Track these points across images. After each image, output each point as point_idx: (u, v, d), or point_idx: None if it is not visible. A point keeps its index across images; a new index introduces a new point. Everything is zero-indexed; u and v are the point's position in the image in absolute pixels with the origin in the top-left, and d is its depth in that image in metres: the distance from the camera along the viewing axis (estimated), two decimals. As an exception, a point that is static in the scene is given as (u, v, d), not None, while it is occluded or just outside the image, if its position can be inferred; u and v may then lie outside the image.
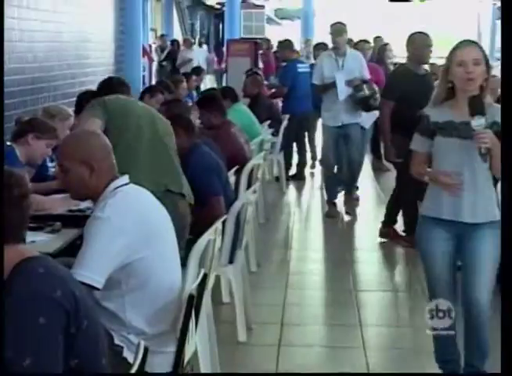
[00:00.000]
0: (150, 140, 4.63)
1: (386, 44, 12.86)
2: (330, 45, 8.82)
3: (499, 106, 3.89)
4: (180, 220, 4.33)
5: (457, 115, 3.76)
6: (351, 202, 8.66)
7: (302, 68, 10.57)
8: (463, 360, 3.98)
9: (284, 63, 11.28)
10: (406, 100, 6.48)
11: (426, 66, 7.51)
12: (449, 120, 3.78)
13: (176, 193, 4.58)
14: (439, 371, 4.07)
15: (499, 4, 33.34)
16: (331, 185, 8.58)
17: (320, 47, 11.78)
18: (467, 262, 3.87)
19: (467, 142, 3.70)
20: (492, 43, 35.93)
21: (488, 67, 3.77)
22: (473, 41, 3.97)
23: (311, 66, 11.02)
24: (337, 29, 8.22)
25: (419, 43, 6.88)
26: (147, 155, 4.59)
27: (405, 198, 6.89)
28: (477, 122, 3.60)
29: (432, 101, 3.97)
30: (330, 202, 8.48)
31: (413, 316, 5.50)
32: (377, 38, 15.02)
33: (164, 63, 20.30)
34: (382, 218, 7.47)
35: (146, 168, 4.52)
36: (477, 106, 3.64)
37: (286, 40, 11.94)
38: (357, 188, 9.05)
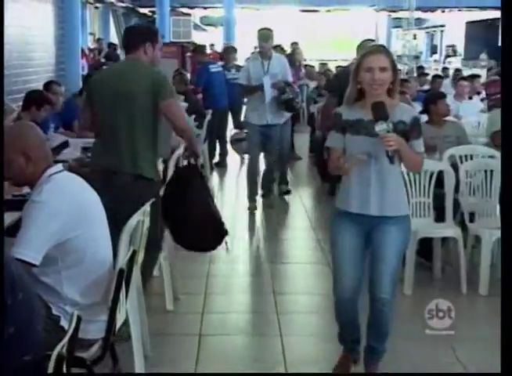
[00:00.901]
0: (113, 116, 4.41)
1: (297, 48, 13.00)
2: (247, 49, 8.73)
3: (407, 106, 3.69)
4: (117, 193, 4.24)
5: (367, 114, 3.50)
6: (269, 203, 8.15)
7: (214, 68, 10.52)
8: (365, 340, 3.78)
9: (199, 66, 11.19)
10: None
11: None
12: (359, 118, 3.54)
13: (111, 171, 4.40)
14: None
15: (393, 15, 33.89)
16: (252, 184, 8.08)
17: (229, 50, 11.82)
18: (374, 253, 3.63)
19: (376, 139, 3.45)
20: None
21: (396, 71, 3.52)
22: (381, 46, 3.69)
23: (224, 66, 11.04)
24: (264, 34, 7.90)
25: (363, 49, 6.90)
26: (106, 133, 4.47)
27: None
28: (380, 127, 3.39)
29: (345, 101, 3.67)
30: (251, 199, 8.01)
31: (320, 284, 5.53)
32: (293, 44, 15.20)
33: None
34: (294, 200, 7.54)
35: (101, 147, 4.51)
36: (379, 112, 3.42)
37: (199, 45, 11.97)
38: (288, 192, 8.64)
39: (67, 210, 3.00)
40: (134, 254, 3.28)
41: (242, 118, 9.13)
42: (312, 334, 4.54)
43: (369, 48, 3.63)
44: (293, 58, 12.09)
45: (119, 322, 3.23)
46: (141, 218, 3.80)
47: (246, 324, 4.80)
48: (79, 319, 2.34)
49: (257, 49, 8.18)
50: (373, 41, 6.89)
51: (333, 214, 3.77)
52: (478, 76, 11.41)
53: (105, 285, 3.12)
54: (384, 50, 3.57)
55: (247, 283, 5.73)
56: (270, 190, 8.18)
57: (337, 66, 11.95)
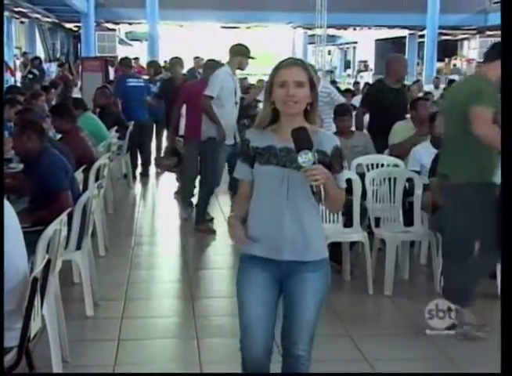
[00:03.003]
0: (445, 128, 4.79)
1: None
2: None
3: (326, 132, 2.98)
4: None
5: (279, 140, 2.84)
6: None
7: (133, 82, 10.28)
8: None
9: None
10: (384, 110, 6.48)
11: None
12: (269, 145, 2.85)
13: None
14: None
15: (309, 32, 34.31)
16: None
17: (152, 65, 11.90)
18: (290, 307, 2.92)
19: (288, 170, 2.81)
20: (304, 63, 37.06)
21: (315, 91, 2.84)
22: (298, 60, 2.94)
23: (150, 80, 10.96)
24: (239, 50, 7.10)
25: (398, 64, 6.96)
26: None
27: None
28: (304, 158, 2.66)
29: (256, 124, 2.96)
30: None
31: (234, 289, 5.49)
32: (196, 58, 15.59)
33: (30, 77, 19.67)
34: (213, 208, 7.55)
35: None
36: (302, 140, 2.70)
37: (125, 58, 11.87)
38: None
39: None
40: (49, 262, 3.21)
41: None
42: (226, 335, 4.52)
43: (283, 61, 2.90)
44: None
45: (34, 329, 3.15)
46: (58, 227, 3.74)
47: (163, 328, 4.74)
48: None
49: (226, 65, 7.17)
50: (402, 56, 7.07)
51: (241, 256, 3.05)
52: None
53: (19, 293, 3.03)
54: (300, 63, 2.88)
55: (166, 288, 5.67)
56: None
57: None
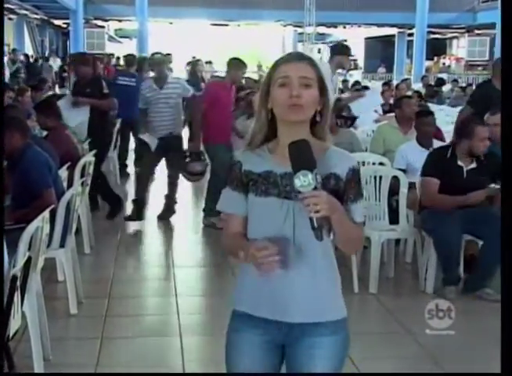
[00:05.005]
0: None
1: (198, 60, 13.13)
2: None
3: (341, 150, 2.27)
4: None
5: (279, 162, 2.15)
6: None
7: (122, 81, 10.13)
8: None
9: None
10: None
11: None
12: (268, 170, 2.17)
13: None
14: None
15: (299, 30, 34.29)
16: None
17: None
18: None
19: (293, 203, 2.13)
20: (294, 62, 37.07)
21: (325, 95, 2.17)
22: (304, 55, 2.23)
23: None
24: (338, 49, 7.20)
25: None
26: None
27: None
28: (302, 181, 2.00)
29: (248, 142, 2.24)
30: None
31: (218, 287, 5.49)
32: (194, 58, 15.81)
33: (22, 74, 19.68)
34: (199, 208, 7.54)
35: None
36: (301, 157, 2.03)
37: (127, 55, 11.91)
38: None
39: None
40: (29, 260, 3.19)
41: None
42: (209, 333, 4.51)
43: (285, 55, 2.23)
44: (195, 69, 12.21)
45: (14, 327, 3.13)
46: (40, 225, 3.71)
47: (147, 327, 4.72)
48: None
49: None
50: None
51: (232, 314, 2.31)
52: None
53: (-1, 291, 3.01)
54: (307, 58, 2.19)
55: (151, 287, 5.66)
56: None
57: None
